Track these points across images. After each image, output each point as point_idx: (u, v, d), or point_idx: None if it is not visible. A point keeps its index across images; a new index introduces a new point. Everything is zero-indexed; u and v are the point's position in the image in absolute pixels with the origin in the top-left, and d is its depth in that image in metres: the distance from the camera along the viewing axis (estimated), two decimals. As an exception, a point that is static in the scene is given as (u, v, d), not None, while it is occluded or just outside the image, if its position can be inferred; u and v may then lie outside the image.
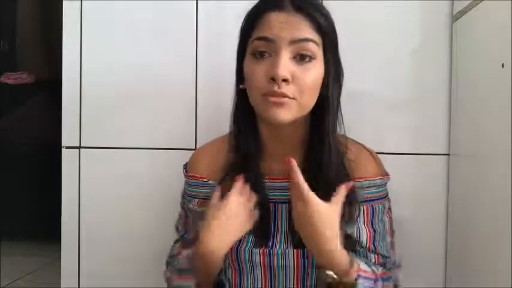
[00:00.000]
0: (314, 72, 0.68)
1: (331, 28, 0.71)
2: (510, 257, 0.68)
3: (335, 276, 0.66)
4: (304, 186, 0.65)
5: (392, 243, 0.79)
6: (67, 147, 1.05)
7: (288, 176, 0.68)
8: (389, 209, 0.80)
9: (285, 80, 0.66)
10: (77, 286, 1.05)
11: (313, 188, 0.67)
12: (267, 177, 0.77)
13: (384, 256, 0.76)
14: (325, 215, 0.65)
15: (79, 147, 1.05)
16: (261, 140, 0.76)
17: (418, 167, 0.98)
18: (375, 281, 0.70)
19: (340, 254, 0.66)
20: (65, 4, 1.05)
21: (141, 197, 1.04)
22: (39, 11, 2.66)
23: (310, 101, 0.70)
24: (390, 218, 0.80)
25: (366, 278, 0.68)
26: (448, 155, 0.97)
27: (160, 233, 1.00)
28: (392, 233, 0.80)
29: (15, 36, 2.70)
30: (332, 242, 0.65)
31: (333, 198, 0.66)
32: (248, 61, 0.70)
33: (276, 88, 0.66)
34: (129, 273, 1.04)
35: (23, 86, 2.40)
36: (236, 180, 0.72)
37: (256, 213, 0.73)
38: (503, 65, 0.71)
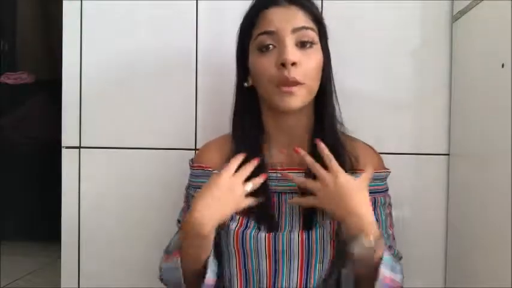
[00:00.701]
0: (316, 57, 0.74)
1: (322, 19, 0.77)
2: (510, 257, 0.68)
3: (369, 242, 0.67)
4: (334, 160, 0.72)
5: (393, 235, 0.81)
6: (67, 147, 1.05)
7: (304, 163, 0.75)
8: (390, 204, 0.82)
9: (293, 64, 0.70)
10: (77, 286, 1.05)
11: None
12: (271, 168, 0.78)
13: (388, 247, 0.77)
14: (357, 184, 0.70)
15: (79, 147, 1.05)
16: (265, 131, 0.80)
17: (418, 167, 0.98)
18: (394, 258, 0.73)
19: (374, 222, 0.70)
20: (65, 4, 1.05)
21: (141, 197, 1.04)
22: (39, 11, 2.66)
23: (315, 84, 0.75)
24: (390, 213, 0.82)
25: (388, 251, 0.71)
26: (448, 155, 0.97)
27: (160, 232, 1.00)
28: (392, 227, 0.82)
29: (15, 36, 2.70)
30: (368, 207, 0.69)
31: (361, 176, 0.72)
32: (254, 57, 0.75)
33: (286, 73, 0.70)
34: (129, 273, 1.04)
35: (23, 86, 2.40)
36: (234, 160, 0.74)
37: (249, 200, 0.73)
38: (503, 65, 0.71)
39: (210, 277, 0.72)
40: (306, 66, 0.72)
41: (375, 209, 0.77)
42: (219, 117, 0.97)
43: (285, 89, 0.71)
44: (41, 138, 2.25)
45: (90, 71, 1.04)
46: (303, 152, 0.75)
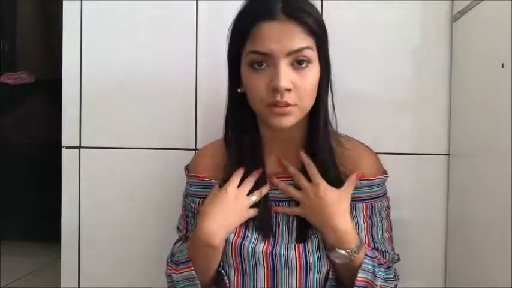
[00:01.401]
0: (311, 76, 0.71)
1: (322, 29, 0.72)
2: (510, 257, 0.68)
3: (345, 253, 0.70)
4: (316, 171, 0.74)
5: (390, 238, 0.81)
6: (67, 147, 1.05)
7: (290, 173, 0.77)
8: (388, 207, 0.82)
9: (287, 90, 0.68)
10: (77, 286, 1.05)
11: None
12: (267, 176, 0.78)
13: (382, 252, 0.78)
14: (336, 195, 0.73)
15: (79, 147, 1.05)
16: (260, 139, 0.78)
17: (418, 167, 0.98)
18: (378, 265, 0.73)
19: (351, 232, 0.72)
20: (65, 4, 1.05)
21: (140, 197, 1.04)
22: (39, 11, 2.66)
23: (310, 103, 0.73)
24: (388, 216, 0.81)
25: (371, 258, 0.73)
26: (448, 155, 0.97)
27: (160, 232, 1.00)
28: (390, 230, 0.81)
29: (15, 36, 2.70)
30: (343, 219, 0.71)
31: (345, 184, 0.74)
32: (246, 72, 0.71)
33: (278, 98, 0.68)
34: (129, 273, 1.04)
35: (23, 86, 2.40)
36: (237, 173, 0.76)
37: (252, 211, 0.75)
38: (503, 65, 0.71)
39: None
40: (300, 88, 0.69)
41: (371, 215, 0.77)
42: (219, 118, 0.97)
43: (278, 110, 0.69)
44: (41, 138, 2.24)
45: (90, 71, 1.04)
46: (285, 162, 0.77)
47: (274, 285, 0.74)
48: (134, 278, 1.04)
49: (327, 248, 0.73)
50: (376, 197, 0.78)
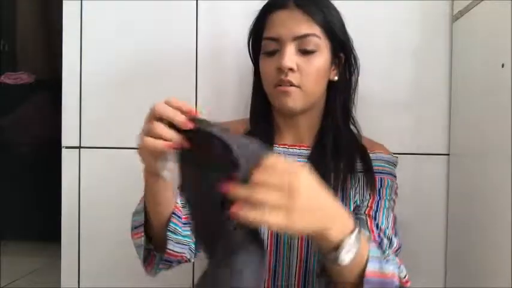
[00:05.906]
0: (317, 62, 0.74)
1: (334, 19, 0.77)
2: (510, 257, 0.68)
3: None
4: None
5: (394, 228, 0.74)
6: (67, 147, 1.05)
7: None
8: (396, 193, 0.79)
9: (291, 69, 0.73)
10: (77, 286, 1.05)
11: (323, 177, 0.64)
12: None
13: (380, 230, 0.71)
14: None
15: (79, 147, 1.05)
16: (275, 127, 0.82)
17: (418, 167, 0.98)
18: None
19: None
20: (65, 4, 1.05)
21: (140, 197, 1.03)
22: (39, 11, 2.66)
23: (315, 88, 0.75)
24: (394, 201, 0.78)
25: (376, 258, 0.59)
26: (448, 155, 0.97)
27: (160, 233, 1.00)
28: (394, 218, 0.75)
29: (15, 36, 2.70)
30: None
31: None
32: (262, 59, 0.78)
33: (283, 77, 0.73)
34: (129, 273, 1.04)
35: (23, 86, 2.40)
36: None
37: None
38: (503, 65, 0.72)
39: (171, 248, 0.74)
40: (304, 71, 0.73)
41: (380, 189, 0.76)
42: (219, 117, 0.97)
43: (281, 88, 0.73)
44: (41, 138, 2.25)
45: (90, 71, 1.04)
46: None
47: (275, 268, 0.74)
48: (134, 278, 1.03)
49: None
50: (386, 173, 0.78)
